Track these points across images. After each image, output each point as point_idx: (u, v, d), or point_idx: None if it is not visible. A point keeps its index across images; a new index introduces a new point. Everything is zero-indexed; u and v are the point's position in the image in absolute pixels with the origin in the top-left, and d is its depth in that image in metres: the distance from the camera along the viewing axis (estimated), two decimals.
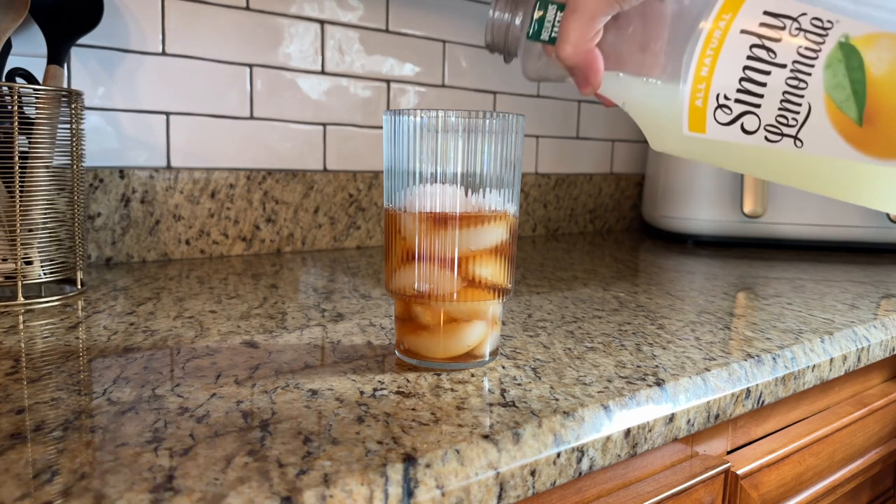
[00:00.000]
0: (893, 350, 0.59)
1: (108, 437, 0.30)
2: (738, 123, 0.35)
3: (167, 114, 0.78)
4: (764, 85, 0.35)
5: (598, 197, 1.26)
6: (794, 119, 0.34)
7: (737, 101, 0.35)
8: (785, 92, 0.34)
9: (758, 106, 0.35)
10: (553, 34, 0.39)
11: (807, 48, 0.34)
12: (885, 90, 0.33)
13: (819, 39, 0.34)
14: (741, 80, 0.35)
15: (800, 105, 0.34)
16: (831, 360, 0.51)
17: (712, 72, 0.35)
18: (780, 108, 0.34)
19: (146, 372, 0.39)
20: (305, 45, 0.87)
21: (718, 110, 0.36)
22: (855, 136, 0.33)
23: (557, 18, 0.39)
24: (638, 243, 1.11)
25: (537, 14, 0.39)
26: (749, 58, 0.35)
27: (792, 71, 0.34)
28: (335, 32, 0.90)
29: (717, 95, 0.35)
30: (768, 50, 0.34)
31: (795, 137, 0.34)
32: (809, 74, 0.34)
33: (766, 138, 0.35)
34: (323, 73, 0.90)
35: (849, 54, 0.33)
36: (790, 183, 0.38)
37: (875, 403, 0.63)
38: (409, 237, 0.40)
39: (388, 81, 0.96)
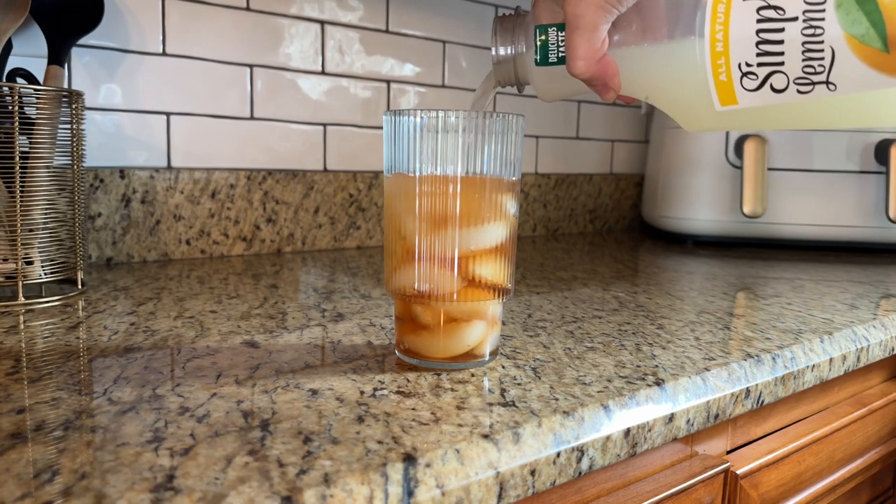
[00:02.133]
0: (893, 350, 0.59)
1: (108, 437, 0.30)
2: (766, 85, 0.36)
3: (167, 114, 0.78)
4: (781, 42, 0.35)
5: (598, 197, 1.26)
6: (820, 66, 0.35)
7: (759, 64, 0.36)
8: (804, 43, 0.35)
9: (781, 63, 0.35)
10: (560, 55, 0.39)
11: None
12: None
13: None
14: (758, 44, 0.35)
15: (822, 51, 0.34)
16: (831, 360, 0.51)
17: (727, 45, 0.36)
18: (804, 60, 0.35)
19: (147, 372, 0.39)
20: (305, 46, 0.88)
21: (744, 79, 0.36)
22: (885, 63, 0.34)
23: (560, 39, 0.39)
24: (638, 243, 1.12)
25: (540, 40, 0.39)
26: (759, 20, 0.35)
27: (805, 21, 0.34)
28: (335, 33, 0.90)
29: (739, 65, 0.36)
30: (776, 8, 0.35)
31: (827, 83, 0.35)
32: (823, 19, 0.34)
33: (799, 91, 0.36)
34: (323, 73, 0.90)
35: None
36: (830, 126, 0.38)
37: (874, 403, 0.63)
38: (409, 237, 0.40)
39: (388, 82, 0.96)
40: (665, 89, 0.39)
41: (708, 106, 0.38)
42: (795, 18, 0.34)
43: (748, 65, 0.36)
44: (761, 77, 0.36)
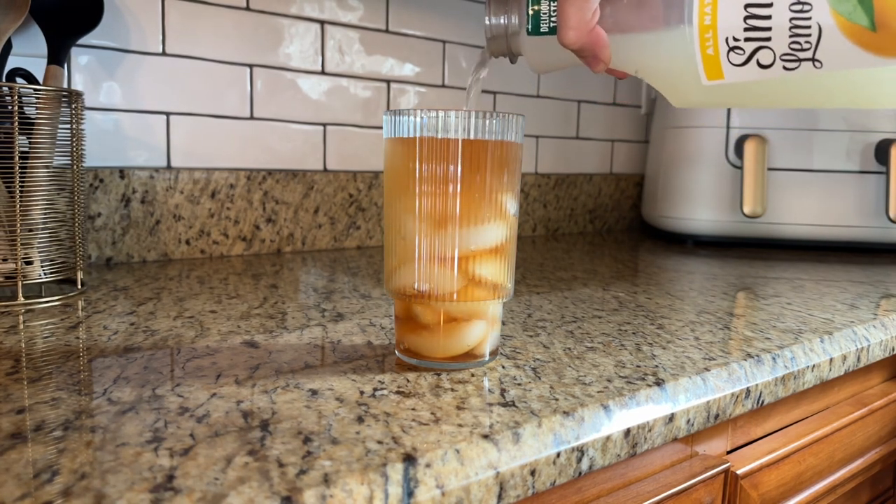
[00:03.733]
0: (893, 350, 0.59)
1: (108, 437, 0.30)
2: (753, 61, 0.36)
3: (167, 114, 0.78)
4: (769, 18, 0.35)
5: (598, 197, 1.26)
6: (807, 42, 0.35)
7: (747, 39, 0.35)
8: (791, 19, 0.35)
9: (768, 39, 0.35)
10: (552, 24, 0.40)
11: None
12: None
13: None
14: (745, 18, 0.35)
15: (809, 28, 0.34)
16: (831, 360, 0.51)
17: (715, 18, 0.36)
18: (790, 36, 0.35)
19: (146, 372, 0.39)
20: (305, 46, 0.88)
21: (731, 53, 0.36)
22: (872, 42, 0.34)
23: (553, 8, 0.39)
24: (638, 243, 1.12)
25: (532, 10, 0.40)
26: None
27: None
28: (335, 33, 0.90)
29: (727, 39, 0.36)
30: None
31: (813, 60, 0.35)
32: None
33: (785, 68, 0.36)
34: (323, 73, 0.90)
35: None
36: (816, 105, 0.38)
37: (875, 403, 0.63)
38: (409, 236, 0.40)
39: (388, 81, 0.96)
40: (654, 63, 0.39)
41: (694, 79, 0.37)
42: None
43: (735, 39, 0.36)
44: (748, 52, 0.36)
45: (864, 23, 0.33)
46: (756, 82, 0.36)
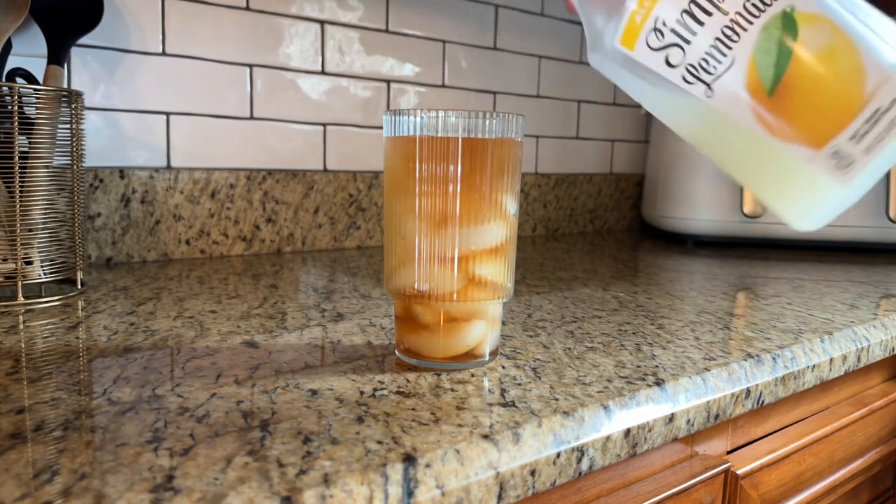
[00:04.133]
0: (893, 350, 0.59)
1: (108, 437, 0.30)
2: (664, 53, 0.36)
3: (167, 114, 0.78)
4: (702, 24, 0.35)
5: (598, 197, 1.26)
6: (714, 68, 0.35)
7: (672, 30, 0.35)
8: (717, 38, 0.35)
9: (688, 42, 0.35)
10: None
11: (753, 4, 0.34)
12: (804, 72, 0.33)
13: (768, 1, 0.34)
14: (683, 12, 0.35)
15: (725, 56, 0.34)
16: (831, 360, 0.51)
17: None
18: (706, 52, 0.35)
19: (146, 372, 0.39)
20: (305, 46, 0.88)
21: (652, 34, 0.36)
22: (761, 104, 0.34)
23: None
24: (638, 243, 1.12)
25: None
26: None
27: (731, 21, 0.34)
28: (335, 32, 0.90)
29: (657, 19, 0.36)
30: None
31: (709, 85, 0.35)
32: (745, 30, 0.34)
33: (683, 77, 0.36)
34: (323, 73, 0.90)
35: (787, 25, 0.33)
36: (697, 145, 0.38)
37: (875, 403, 0.63)
38: (409, 236, 0.40)
39: (388, 81, 0.96)
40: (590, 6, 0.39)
41: (610, 35, 0.37)
42: (727, 13, 0.34)
43: (664, 24, 0.35)
44: (665, 42, 0.35)
45: (767, 83, 0.33)
46: (653, 74, 0.36)
